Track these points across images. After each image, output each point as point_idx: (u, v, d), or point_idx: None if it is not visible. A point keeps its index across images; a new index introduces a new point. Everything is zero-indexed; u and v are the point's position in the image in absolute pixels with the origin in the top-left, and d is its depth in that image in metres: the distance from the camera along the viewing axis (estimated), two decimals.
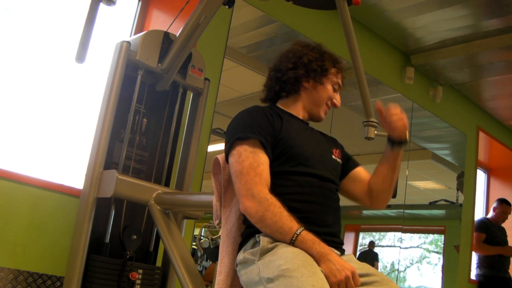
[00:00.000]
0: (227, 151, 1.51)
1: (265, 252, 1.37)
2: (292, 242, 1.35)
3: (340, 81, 1.71)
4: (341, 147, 1.76)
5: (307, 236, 1.35)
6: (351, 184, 1.71)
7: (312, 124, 1.75)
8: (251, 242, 1.46)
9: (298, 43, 1.73)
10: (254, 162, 1.44)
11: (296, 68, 1.65)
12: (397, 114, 1.57)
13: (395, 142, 1.61)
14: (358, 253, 4.83)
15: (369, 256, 4.81)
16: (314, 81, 1.65)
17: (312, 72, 1.64)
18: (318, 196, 1.51)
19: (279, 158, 1.51)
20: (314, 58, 1.66)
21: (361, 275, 1.37)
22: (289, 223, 1.37)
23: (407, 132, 1.61)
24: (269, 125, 1.51)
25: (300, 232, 1.35)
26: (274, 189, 1.45)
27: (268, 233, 1.40)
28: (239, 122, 1.54)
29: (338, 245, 1.52)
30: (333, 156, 1.65)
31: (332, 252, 1.34)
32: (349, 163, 1.73)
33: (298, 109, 1.67)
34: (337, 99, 1.71)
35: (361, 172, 1.73)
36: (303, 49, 1.68)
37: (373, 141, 2.15)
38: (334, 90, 1.70)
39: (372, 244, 4.83)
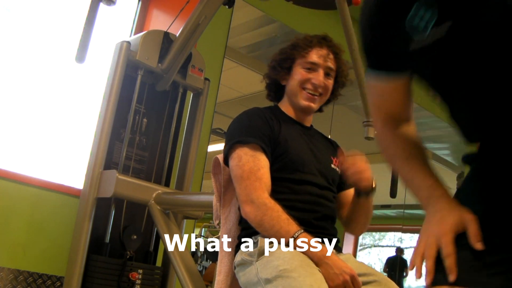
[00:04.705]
0: (226, 153, 1.51)
1: (263, 252, 1.37)
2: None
3: (313, 59, 1.57)
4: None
5: (305, 239, 1.35)
6: (337, 207, 1.65)
7: (315, 126, 1.72)
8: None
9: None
10: (255, 166, 1.43)
11: (267, 73, 1.67)
12: (360, 168, 1.50)
13: (362, 193, 1.57)
14: (385, 261, 4.72)
15: (396, 264, 4.63)
16: (284, 74, 1.61)
17: (275, 68, 1.62)
18: (314, 204, 1.49)
19: (276, 163, 1.50)
20: (274, 57, 1.64)
21: (359, 275, 1.37)
22: (287, 226, 1.36)
23: (373, 181, 1.54)
24: (268, 129, 1.51)
25: (297, 235, 1.34)
26: (270, 194, 1.43)
27: (267, 236, 1.40)
28: (239, 125, 1.53)
29: (332, 237, 1.50)
30: (332, 165, 1.61)
31: (331, 255, 1.33)
32: (342, 182, 1.65)
33: (288, 107, 1.65)
34: (316, 77, 1.57)
35: (350, 196, 1.66)
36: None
37: (373, 141, 2.15)
38: (310, 70, 1.57)
39: (400, 250, 4.62)
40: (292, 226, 1.36)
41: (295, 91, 1.59)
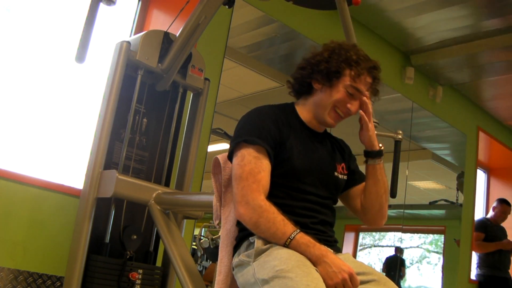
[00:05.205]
0: (231, 150, 1.50)
1: (260, 253, 1.37)
2: (287, 246, 1.35)
3: (359, 86, 1.52)
4: (349, 158, 1.68)
5: (302, 240, 1.34)
6: (350, 200, 1.66)
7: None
8: (245, 244, 1.45)
9: (330, 42, 1.61)
10: (255, 167, 1.42)
11: (304, 69, 1.60)
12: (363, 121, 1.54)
13: (367, 153, 1.58)
14: (384, 260, 4.72)
15: (395, 263, 4.59)
16: (323, 83, 1.55)
17: (319, 73, 1.55)
18: (312, 211, 1.50)
19: (278, 168, 1.48)
20: (324, 58, 1.56)
21: (358, 274, 1.37)
22: (282, 228, 1.36)
23: (375, 142, 1.56)
24: (276, 131, 1.49)
25: (294, 236, 1.34)
26: (268, 198, 1.43)
27: (264, 238, 1.39)
28: (248, 123, 1.51)
29: (331, 243, 1.51)
30: (336, 173, 1.59)
31: (329, 253, 1.33)
32: (352, 178, 1.66)
33: (306, 113, 1.61)
34: (354, 105, 1.54)
35: (362, 187, 1.65)
36: (322, 49, 1.60)
37: None
38: (350, 95, 1.53)
39: (399, 250, 4.61)
40: (288, 227, 1.36)
41: (325, 106, 1.55)
